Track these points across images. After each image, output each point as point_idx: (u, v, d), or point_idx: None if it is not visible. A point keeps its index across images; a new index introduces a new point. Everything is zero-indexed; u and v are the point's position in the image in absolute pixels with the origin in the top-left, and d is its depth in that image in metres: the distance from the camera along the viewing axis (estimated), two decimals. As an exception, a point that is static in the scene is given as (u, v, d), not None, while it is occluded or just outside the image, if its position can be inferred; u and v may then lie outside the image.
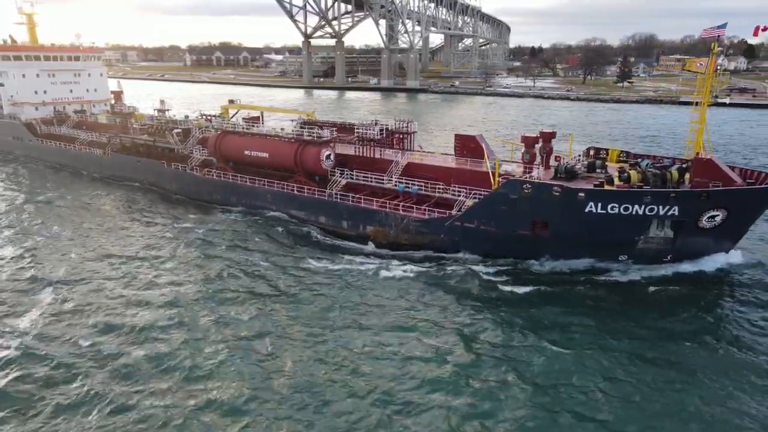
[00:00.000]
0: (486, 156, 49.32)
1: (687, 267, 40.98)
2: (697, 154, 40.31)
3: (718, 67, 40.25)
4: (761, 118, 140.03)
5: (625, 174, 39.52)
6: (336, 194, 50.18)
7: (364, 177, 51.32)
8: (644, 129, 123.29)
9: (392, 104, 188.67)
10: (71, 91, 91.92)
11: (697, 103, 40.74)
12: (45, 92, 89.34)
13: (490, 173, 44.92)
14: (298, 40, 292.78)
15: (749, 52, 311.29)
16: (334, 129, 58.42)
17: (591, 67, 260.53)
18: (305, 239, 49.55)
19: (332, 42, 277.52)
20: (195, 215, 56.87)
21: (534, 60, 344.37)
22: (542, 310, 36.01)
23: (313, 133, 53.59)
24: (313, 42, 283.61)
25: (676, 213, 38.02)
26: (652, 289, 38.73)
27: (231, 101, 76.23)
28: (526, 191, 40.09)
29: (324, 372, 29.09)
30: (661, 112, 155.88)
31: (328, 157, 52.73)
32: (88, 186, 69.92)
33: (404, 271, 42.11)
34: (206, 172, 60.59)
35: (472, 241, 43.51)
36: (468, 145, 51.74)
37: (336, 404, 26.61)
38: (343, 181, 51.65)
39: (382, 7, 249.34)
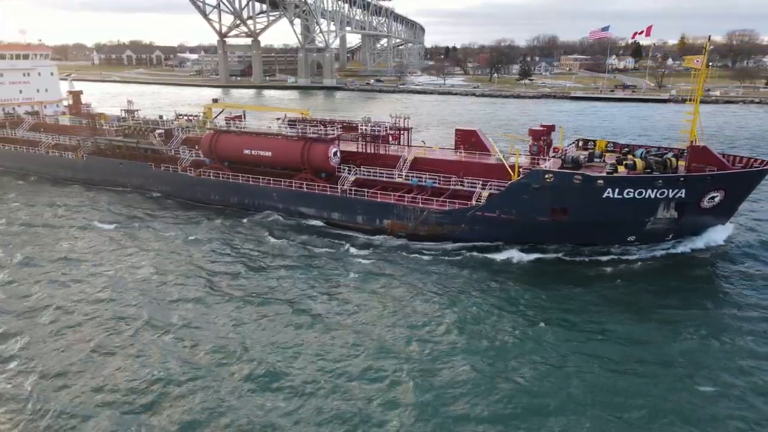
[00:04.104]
0: (495, 149, 51.73)
1: (688, 243, 45.16)
2: (692, 142, 43.74)
3: (689, 65, 44.85)
4: (638, 111, 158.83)
5: (631, 162, 43.25)
6: (350, 190, 50.80)
7: (373, 172, 51.98)
8: (541, 119, 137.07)
9: (310, 101, 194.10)
10: (21, 91, 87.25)
11: (690, 99, 44.39)
12: None
13: (507, 165, 46.96)
14: (213, 39, 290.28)
15: (636, 52, 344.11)
16: (339, 126, 58.49)
17: (497, 65, 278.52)
18: (322, 235, 50.32)
19: (249, 41, 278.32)
20: (198, 218, 55.23)
21: (447, 59, 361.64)
22: (562, 290, 38.61)
23: (318, 130, 54.21)
24: (230, 41, 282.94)
25: (683, 195, 41.79)
26: (660, 264, 42.94)
27: (215, 100, 72.64)
28: (549, 180, 42.21)
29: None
30: (553, 106, 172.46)
31: (335, 153, 53.02)
32: (66, 192, 66.25)
33: (429, 259, 44.35)
34: (201, 172, 59.21)
35: (493, 229, 45.45)
36: (469, 139, 53.48)
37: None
38: (352, 177, 52.13)
39: (296, 6, 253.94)
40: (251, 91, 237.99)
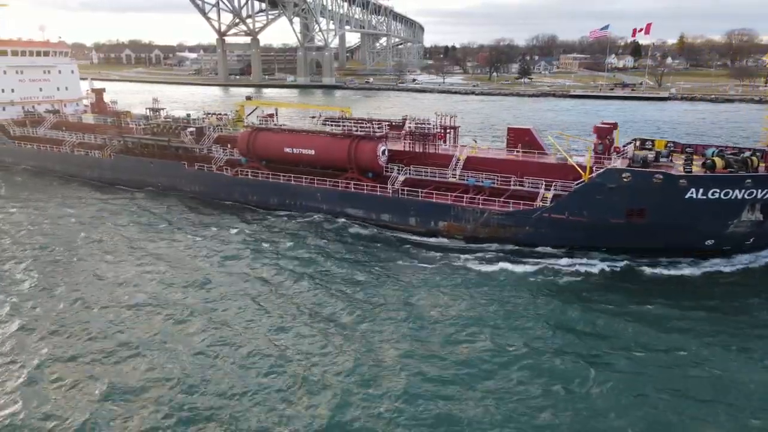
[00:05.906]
0: (556, 147, 49.43)
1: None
2: None
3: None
4: (639, 108, 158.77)
5: (710, 161, 40.65)
6: (402, 190, 48.67)
7: (423, 172, 49.94)
8: (541, 118, 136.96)
9: (309, 100, 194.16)
10: (41, 89, 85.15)
11: None
12: (13, 91, 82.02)
13: (576, 165, 44.60)
14: (212, 39, 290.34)
15: (635, 51, 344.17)
16: (387, 124, 56.76)
17: (496, 64, 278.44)
18: (372, 237, 48.28)
19: (248, 40, 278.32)
20: (237, 219, 53.44)
21: (447, 58, 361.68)
22: (644, 304, 35.80)
23: (364, 127, 52.72)
24: (229, 40, 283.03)
25: None
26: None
27: (248, 98, 70.14)
28: (626, 180, 39.92)
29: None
30: (553, 104, 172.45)
31: (383, 152, 51.06)
32: (95, 192, 64.72)
33: (493, 264, 41.96)
34: (238, 171, 57.29)
35: (561, 231, 43.01)
36: (522, 138, 51.19)
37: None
38: (402, 177, 50.12)
39: (296, 5, 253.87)
40: (250, 90, 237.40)
